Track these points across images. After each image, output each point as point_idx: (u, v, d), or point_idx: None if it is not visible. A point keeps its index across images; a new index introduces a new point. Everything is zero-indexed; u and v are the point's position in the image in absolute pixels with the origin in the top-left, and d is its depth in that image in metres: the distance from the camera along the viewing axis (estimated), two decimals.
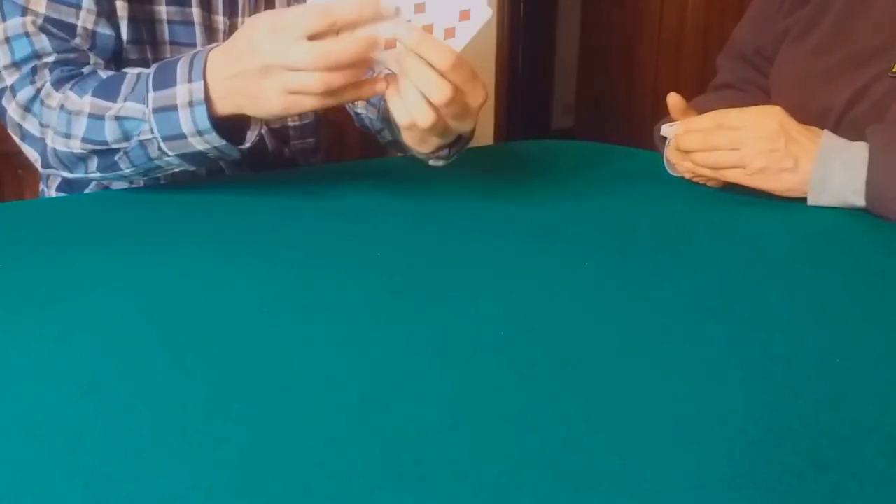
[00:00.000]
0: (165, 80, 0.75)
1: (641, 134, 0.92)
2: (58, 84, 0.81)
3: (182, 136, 0.75)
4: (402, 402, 0.48)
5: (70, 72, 0.82)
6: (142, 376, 0.51)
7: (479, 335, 0.56)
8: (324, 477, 0.42)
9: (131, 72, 0.80)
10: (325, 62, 0.66)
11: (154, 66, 0.77)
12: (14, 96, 0.82)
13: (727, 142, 0.82)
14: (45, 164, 0.84)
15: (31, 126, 0.82)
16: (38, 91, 0.81)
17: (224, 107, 0.74)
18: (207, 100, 0.73)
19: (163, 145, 0.76)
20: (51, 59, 0.82)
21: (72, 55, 0.83)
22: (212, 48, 0.74)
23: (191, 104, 0.73)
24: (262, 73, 0.69)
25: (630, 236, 0.76)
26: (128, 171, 0.80)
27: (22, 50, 0.81)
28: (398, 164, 0.98)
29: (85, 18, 0.83)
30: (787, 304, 0.61)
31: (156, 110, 0.75)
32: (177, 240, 0.73)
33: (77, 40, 0.83)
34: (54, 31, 0.82)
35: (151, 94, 0.75)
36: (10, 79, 0.82)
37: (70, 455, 0.43)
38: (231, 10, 0.94)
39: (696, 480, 0.42)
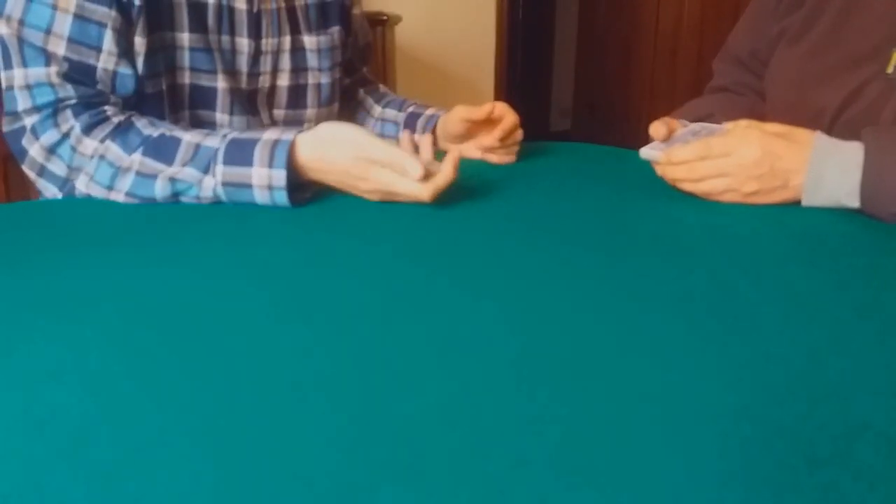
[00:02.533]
0: (239, 157, 0.80)
1: (637, 136, 0.92)
2: (88, 130, 0.82)
3: (253, 203, 0.82)
4: (402, 401, 0.48)
5: (98, 116, 0.83)
6: (146, 376, 0.51)
7: (477, 334, 0.57)
8: (326, 475, 0.42)
9: (185, 137, 0.83)
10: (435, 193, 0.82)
11: (225, 142, 0.81)
12: (37, 138, 0.82)
13: (713, 171, 0.83)
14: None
15: (56, 167, 0.83)
16: (65, 135, 0.82)
17: (335, 186, 0.85)
18: (289, 186, 0.81)
19: (225, 201, 0.83)
20: (72, 101, 0.82)
21: (94, 99, 0.84)
22: (290, 141, 0.81)
23: (270, 188, 0.81)
24: (368, 185, 0.82)
25: (626, 237, 0.76)
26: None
27: (43, 97, 0.82)
28: None
29: (106, 60, 0.83)
30: (780, 303, 0.62)
31: (226, 184, 0.81)
32: (181, 241, 0.74)
33: (99, 86, 0.84)
34: (77, 77, 0.82)
35: (221, 168, 0.80)
36: (30, 120, 0.82)
37: (75, 454, 0.43)
38: (256, 33, 0.95)
39: (691, 477, 0.42)
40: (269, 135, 0.82)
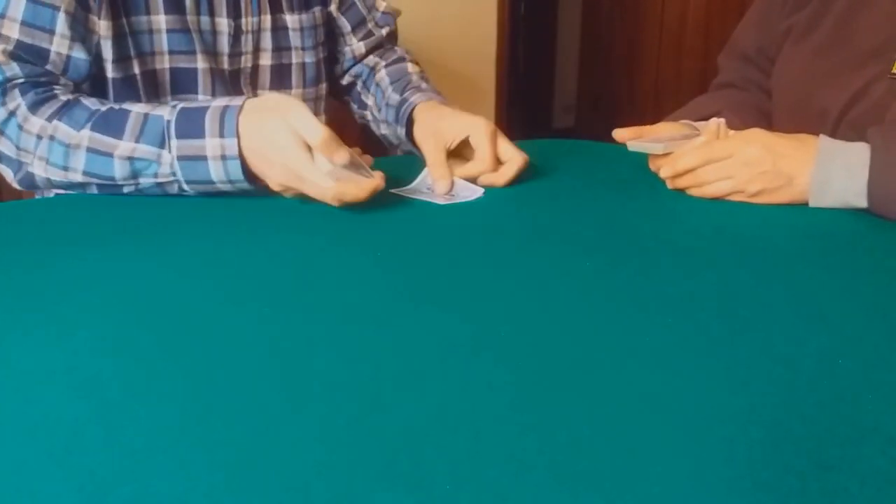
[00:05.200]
0: (190, 129, 0.78)
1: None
2: (34, 108, 0.81)
3: (210, 182, 0.80)
4: (401, 404, 0.48)
5: (44, 94, 0.82)
6: (139, 377, 0.50)
7: (478, 336, 0.56)
8: (323, 478, 0.41)
9: (134, 109, 0.81)
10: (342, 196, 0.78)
11: (175, 112, 0.79)
12: None
13: (718, 174, 0.84)
14: (29, 186, 0.84)
15: (6, 148, 0.82)
16: (12, 114, 0.81)
17: (248, 160, 0.79)
18: (241, 155, 0.78)
19: (185, 186, 0.81)
20: (20, 80, 0.81)
21: (42, 78, 0.83)
22: (238, 106, 0.78)
23: (223, 157, 0.78)
24: (282, 169, 0.77)
25: (630, 236, 0.75)
26: (134, 195, 0.83)
27: None
28: (397, 164, 0.98)
29: (59, 44, 0.82)
30: (788, 305, 0.61)
31: (181, 158, 0.79)
32: (175, 239, 0.73)
33: (49, 66, 0.83)
34: (26, 57, 0.81)
35: (175, 142, 0.78)
36: None
37: (67, 456, 0.43)
38: (235, 13, 0.94)
39: (698, 481, 0.41)
40: (219, 101, 0.79)
